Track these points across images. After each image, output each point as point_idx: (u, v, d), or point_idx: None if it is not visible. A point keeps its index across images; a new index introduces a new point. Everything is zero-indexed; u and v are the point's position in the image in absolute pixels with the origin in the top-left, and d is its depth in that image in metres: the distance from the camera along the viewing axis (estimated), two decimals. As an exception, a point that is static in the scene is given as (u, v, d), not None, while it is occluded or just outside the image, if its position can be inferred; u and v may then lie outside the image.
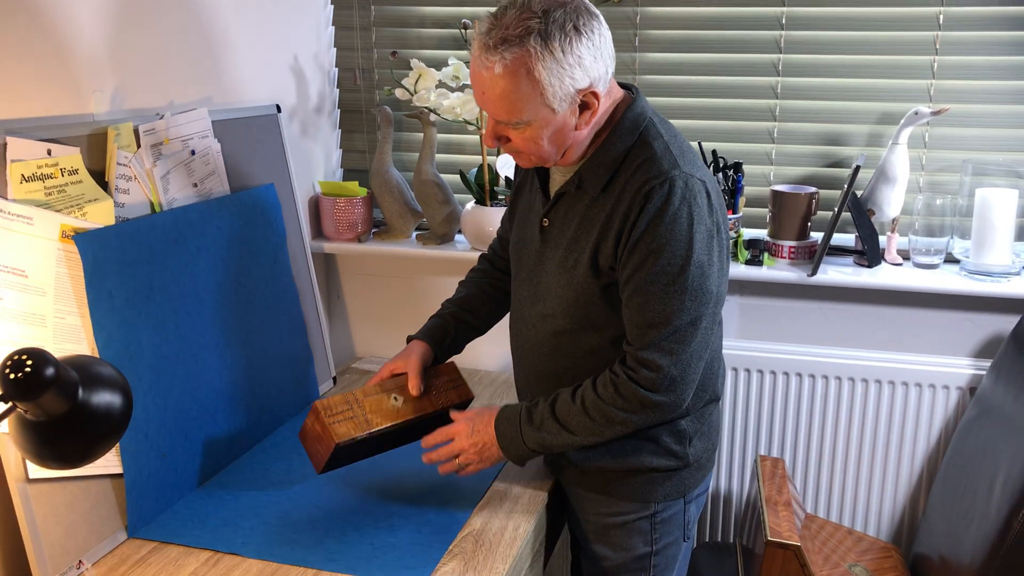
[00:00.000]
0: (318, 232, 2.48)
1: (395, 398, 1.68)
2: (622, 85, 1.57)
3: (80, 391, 1.17)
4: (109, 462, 1.52)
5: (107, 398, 1.21)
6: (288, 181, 2.16)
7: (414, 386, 1.69)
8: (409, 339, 1.79)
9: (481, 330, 1.86)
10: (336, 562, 1.50)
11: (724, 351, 2.09)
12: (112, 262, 1.54)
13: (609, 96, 1.50)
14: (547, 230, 1.60)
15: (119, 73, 1.69)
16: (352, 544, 1.55)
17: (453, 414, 1.68)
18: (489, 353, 1.95)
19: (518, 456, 1.61)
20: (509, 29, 1.36)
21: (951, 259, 2.22)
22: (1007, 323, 2.17)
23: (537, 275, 1.63)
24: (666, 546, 1.69)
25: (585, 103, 1.43)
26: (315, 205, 2.45)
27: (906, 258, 2.24)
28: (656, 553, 1.69)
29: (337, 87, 2.54)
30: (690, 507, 1.69)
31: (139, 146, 1.66)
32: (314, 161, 2.45)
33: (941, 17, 2.13)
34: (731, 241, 2.19)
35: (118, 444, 1.51)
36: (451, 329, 1.81)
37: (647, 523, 1.66)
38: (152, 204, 1.69)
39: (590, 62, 1.40)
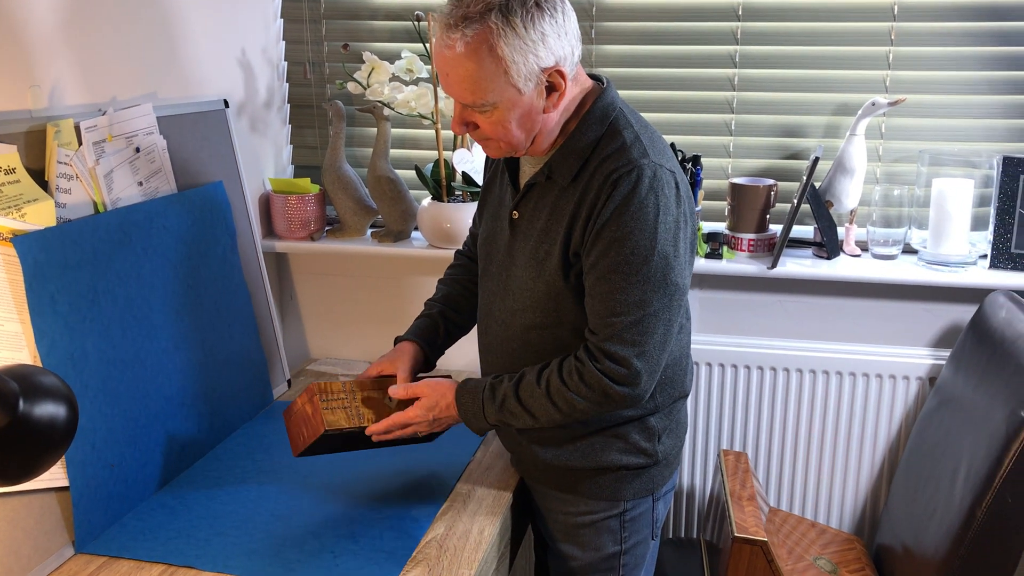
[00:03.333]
0: (269, 231, 2.42)
1: (388, 400, 1.64)
2: (592, 76, 1.55)
3: (21, 403, 1.11)
4: (54, 475, 1.46)
5: (50, 409, 1.15)
6: (237, 178, 2.10)
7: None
8: (397, 340, 1.74)
9: (466, 328, 1.83)
10: (295, 572, 1.45)
11: (686, 346, 2.08)
12: (54, 265, 1.47)
13: (577, 83, 1.48)
14: (517, 223, 1.57)
15: (58, 67, 1.62)
16: (312, 553, 1.51)
17: (393, 390, 1.61)
18: (455, 351, 1.92)
19: (479, 429, 1.60)
20: (470, 7, 1.35)
21: (909, 250, 2.23)
22: (965, 313, 2.19)
23: (507, 269, 1.60)
24: (635, 545, 1.68)
25: (552, 84, 1.42)
26: (266, 203, 2.39)
27: (865, 249, 2.25)
28: (625, 552, 1.67)
29: (287, 81, 2.47)
30: (658, 505, 1.68)
31: (81, 143, 1.60)
32: (264, 157, 2.39)
33: (896, 8, 2.14)
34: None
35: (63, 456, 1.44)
36: (441, 329, 1.77)
37: (616, 522, 1.64)
38: (95, 204, 1.63)
39: (554, 40, 1.38)
